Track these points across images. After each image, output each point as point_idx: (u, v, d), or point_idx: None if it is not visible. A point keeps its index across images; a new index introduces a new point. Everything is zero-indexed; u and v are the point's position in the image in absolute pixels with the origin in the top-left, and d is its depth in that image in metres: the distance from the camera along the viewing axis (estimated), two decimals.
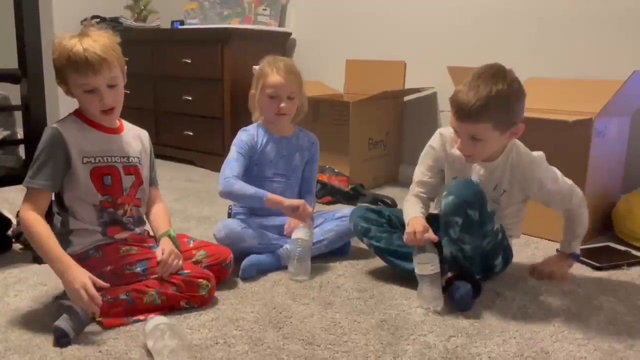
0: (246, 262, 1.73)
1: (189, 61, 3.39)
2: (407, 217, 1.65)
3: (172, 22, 3.86)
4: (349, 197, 2.63)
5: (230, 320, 1.45)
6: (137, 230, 1.58)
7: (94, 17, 3.73)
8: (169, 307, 1.46)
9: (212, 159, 3.26)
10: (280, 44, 3.52)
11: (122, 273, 1.45)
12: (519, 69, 1.57)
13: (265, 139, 1.91)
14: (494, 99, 1.44)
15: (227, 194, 1.79)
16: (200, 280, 1.49)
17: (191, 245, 1.63)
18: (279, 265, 1.79)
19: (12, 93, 1.87)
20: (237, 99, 3.18)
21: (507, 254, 1.69)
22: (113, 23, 3.64)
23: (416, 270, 1.54)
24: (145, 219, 1.62)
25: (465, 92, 1.47)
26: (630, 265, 1.90)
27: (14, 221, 1.99)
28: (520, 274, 1.79)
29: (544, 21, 2.60)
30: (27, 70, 1.71)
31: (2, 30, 2.69)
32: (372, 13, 3.18)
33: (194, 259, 1.59)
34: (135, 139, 1.59)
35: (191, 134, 3.47)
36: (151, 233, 1.63)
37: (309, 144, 1.99)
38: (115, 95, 1.47)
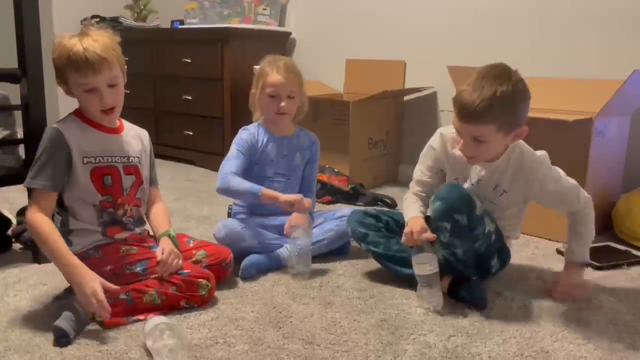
0: (246, 261, 1.73)
1: (189, 61, 3.39)
2: (406, 217, 1.64)
3: (172, 22, 3.86)
4: (349, 197, 2.63)
5: (230, 319, 1.45)
6: (137, 230, 1.58)
7: (93, 16, 3.74)
8: (168, 307, 1.46)
9: (212, 158, 3.25)
10: (280, 43, 3.52)
11: (122, 273, 1.45)
12: (519, 69, 1.56)
13: (266, 138, 1.91)
14: (499, 100, 1.40)
15: (224, 190, 1.78)
16: (200, 280, 1.49)
17: (191, 245, 1.63)
18: (279, 265, 1.79)
19: (12, 93, 1.87)
20: (237, 99, 3.18)
21: (504, 254, 1.67)
22: (113, 23, 3.63)
23: (415, 271, 1.53)
24: (145, 219, 1.62)
25: (469, 92, 1.43)
26: (630, 265, 1.90)
27: (14, 221, 2.00)
28: (520, 274, 1.79)
29: (544, 21, 2.60)
30: (27, 70, 1.71)
31: (2, 30, 2.68)
32: (372, 13, 3.18)
33: (193, 259, 1.59)
34: (135, 138, 1.59)
35: (191, 133, 3.47)
36: (151, 233, 1.63)
37: (310, 143, 1.99)
38: (116, 95, 1.47)
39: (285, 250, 1.79)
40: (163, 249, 1.48)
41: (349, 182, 2.67)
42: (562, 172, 1.60)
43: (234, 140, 1.89)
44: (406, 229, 1.56)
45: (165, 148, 3.55)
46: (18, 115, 1.83)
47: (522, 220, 1.72)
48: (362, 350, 1.31)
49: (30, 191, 1.46)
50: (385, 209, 2.48)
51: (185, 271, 1.49)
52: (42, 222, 1.39)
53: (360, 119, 2.82)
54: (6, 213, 2.02)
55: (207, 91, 3.34)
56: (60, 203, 1.49)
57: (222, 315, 1.47)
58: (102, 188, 1.48)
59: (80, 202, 1.48)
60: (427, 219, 1.63)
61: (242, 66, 3.10)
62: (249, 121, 1.98)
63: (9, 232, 1.95)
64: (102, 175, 1.48)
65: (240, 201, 1.94)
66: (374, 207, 1.83)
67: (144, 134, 1.64)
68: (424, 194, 1.72)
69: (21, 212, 2.00)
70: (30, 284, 1.63)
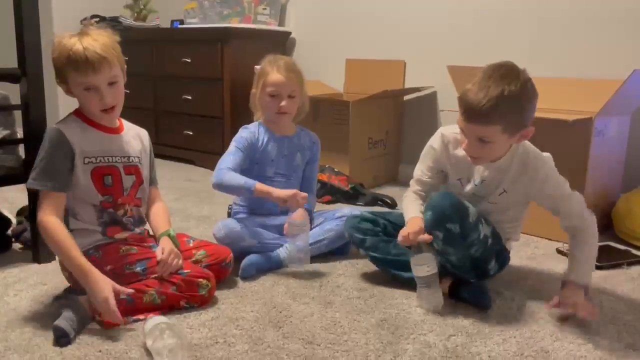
0: (246, 261, 1.73)
1: (189, 61, 3.38)
2: (406, 216, 1.64)
3: (172, 22, 3.86)
4: (349, 197, 2.63)
5: (230, 319, 1.45)
6: (137, 230, 1.58)
7: (93, 16, 3.73)
8: (168, 307, 1.46)
9: (212, 158, 3.22)
10: (280, 43, 3.52)
11: (122, 273, 1.45)
12: None
13: (266, 138, 1.91)
14: (505, 100, 1.36)
15: (217, 185, 1.78)
16: (200, 279, 1.49)
17: (191, 245, 1.63)
18: (279, 265, 1.78)
19: (12, 93, 1.87)
20: (237, 99, 3.18)
21: (502, 257, 1.65)
22: (113, 22, 3.63)
23: (413, 272, 1.52)
24: (145, 219, 1.62)
25: (475, 91, 1.39)
26: (630, 264, 1.90)
27: (14, 221, 2.00)
28: (520, 274, 1.79)
29: (544, 21, 2.60)
30: (26, 69, 1.71)
31: (2, 30, 2.68)
32: (372, 13, 3.18)
33: (193, 259, 1.59)
34: (135, 138, 1.59)
35: (191, 133, 3.47)
36: (151, 233, 1.63)
37: (310, 143, 1.99)
38: (116, 94, 1.47)
39: (284, 250, 1.79)
40: (163, 249, 1.48)
41: (349, 182, 2.68)
42: (562, 180, 1.56)
43: (234, 138, 1.89)
44: (402, 230, 1.55)
45: (165, 148, 3.55)
46: (18, 115, 1.83)
47: (523, 222, 1.71)
48: (362, 349, 1.31)
49: (30, 192, 1.46)
50: (385, 209, 2.49)
51: (185, 271, 1.49)
52: (55, 224, 1.39)
53: (360, 118, 2.82)
54: (6, 213, 2.02)
55: (207, 91, 3.34)
56: None
57: (222, 315, 1.47)
58: (102, 188, 1.48)
59: (80, 202, 1.47)
60: None
61: (242, 66, 3.10)
62: (249, 121, 1.98)
63: (9, 232, 1.95)
64: (103, 175, 1.48)
65: (239, 200, 1.94)
66: (371, 211, 1.81)
67: (143, 133, 1.64)
68: (423, 193, 1.71)
69: (21, 212, 2.00)
70: (30, 283, 1.63)
